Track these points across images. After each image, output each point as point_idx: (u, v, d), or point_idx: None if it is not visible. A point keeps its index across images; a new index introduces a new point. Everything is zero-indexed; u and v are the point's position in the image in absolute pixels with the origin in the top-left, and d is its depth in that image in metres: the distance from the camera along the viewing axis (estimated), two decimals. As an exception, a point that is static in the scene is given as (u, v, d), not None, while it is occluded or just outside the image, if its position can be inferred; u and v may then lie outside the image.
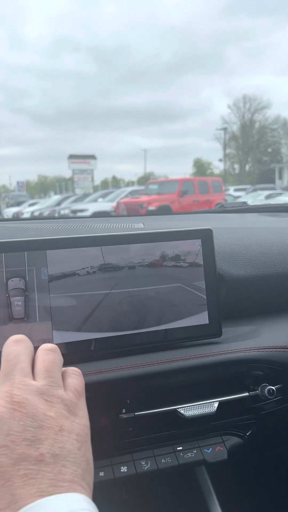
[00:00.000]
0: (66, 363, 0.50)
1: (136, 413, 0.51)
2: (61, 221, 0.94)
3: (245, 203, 1.22)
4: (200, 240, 0.59)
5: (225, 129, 35.84)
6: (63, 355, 0.50)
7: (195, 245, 0.58)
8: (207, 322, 0.57)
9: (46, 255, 0.52)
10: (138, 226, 0.79)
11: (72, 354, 0.51)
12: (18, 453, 0.31)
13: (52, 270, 0.52)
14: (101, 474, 0.49)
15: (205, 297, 0.57)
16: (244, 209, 1.20)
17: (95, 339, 0.52)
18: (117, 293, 0.54)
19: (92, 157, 23.97)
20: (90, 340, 0.52)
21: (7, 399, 0.34)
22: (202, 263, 0.58)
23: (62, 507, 0.29)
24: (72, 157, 23.41)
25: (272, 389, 0.56)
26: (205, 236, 0.59)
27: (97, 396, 0.50)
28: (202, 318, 0.57)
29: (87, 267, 0.53)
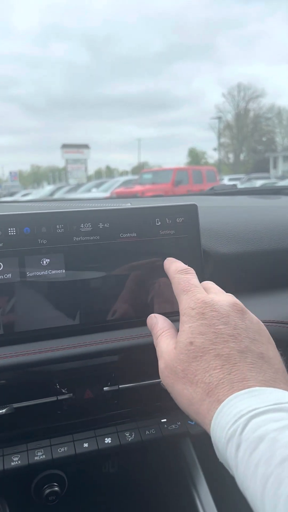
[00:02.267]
0: (49, 337, 0.50)
1: (120, 386, 0.51)
2: (47, 202, 0.93)
3: (235, 185, 1.22)
4: (184, 216, 0.58)
5: (219, 118, 35.65)
6: (44, 329, 0.50)
7: (180, 221, 0.58)
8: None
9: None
10: (125, 205, 0.79)
11: (57, 329, 0.51)
12: (244, 345, 0.38)
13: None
14: (85, 445, 0.49)
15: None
16: (234, 191, 1.20)
17: (80, 313, 0.52)
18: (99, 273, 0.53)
19: (86, 146, 23.77)
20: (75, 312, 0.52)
21: (231, 302, 0.42)
22: (187, 239, 0.58)
23: (286, 397, 0.32)
24: (65, 146, 23.19)
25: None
26: (190, 212, 0.59)
27: (82, 368, 0.50)
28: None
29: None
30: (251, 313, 0.42)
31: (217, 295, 0.44)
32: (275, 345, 0.41)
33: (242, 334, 0.39)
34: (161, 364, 0.42)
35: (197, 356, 0.38)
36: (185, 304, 0.43)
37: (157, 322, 0.47)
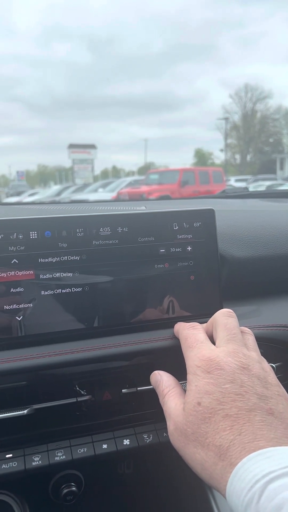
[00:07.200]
0: (69, 339, 0.51)
1: (138, 388, 0.52)
2: (63, 204, 0.94)
3: (246, 188, 1.23)
4: (202, 220, 0.59)
5: (226, 119, 35.55)
6: (63, 331, 0.51)
7: (197, 225, 0.58)
8: (209, 302, 0.57)
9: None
10: (140, 208, 0.79)
11: (76, 331, 0.51)
12: (252, 403, 0.37)
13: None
14: (104, 446, 0.50)
15: (208, 277, 0.58)
16: (246, 194, 1.20)
17: (98, 316, 0.53)
18: (115, 277, 0.54)
19: (92, 146, 23.82)
20: (93, 317, 0.52)
21: (236, 358, 0.41)
22: (204, 243, 0.58)
23: None
24: (72, 146, 23.26)
25: (272, 366, 0.57)
26: (207, 216, 0.59)
27: (101, 370, 0.51)
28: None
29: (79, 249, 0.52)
30: (259, 365, 0.41)
31: (220, 350, 0.42)
32: (286, 395, 0.40)
33: (249, 391, 0.38)
34: (171, 426, 0.41)
35: (205, 417, 0.37)
36: (190, 361, 0.42)
37: (162, 379, 0.47)
